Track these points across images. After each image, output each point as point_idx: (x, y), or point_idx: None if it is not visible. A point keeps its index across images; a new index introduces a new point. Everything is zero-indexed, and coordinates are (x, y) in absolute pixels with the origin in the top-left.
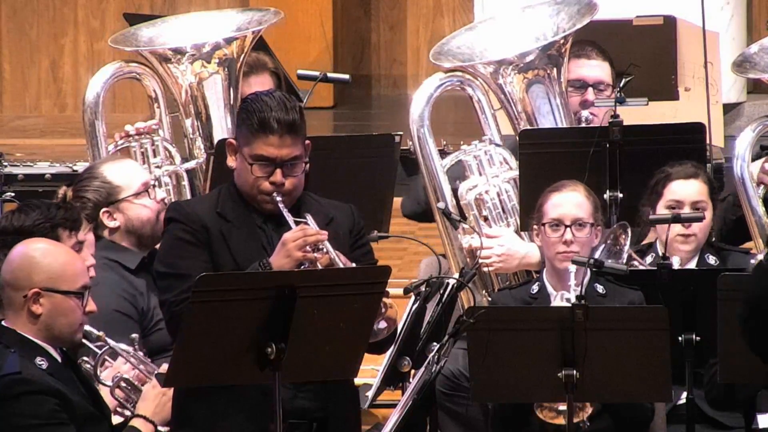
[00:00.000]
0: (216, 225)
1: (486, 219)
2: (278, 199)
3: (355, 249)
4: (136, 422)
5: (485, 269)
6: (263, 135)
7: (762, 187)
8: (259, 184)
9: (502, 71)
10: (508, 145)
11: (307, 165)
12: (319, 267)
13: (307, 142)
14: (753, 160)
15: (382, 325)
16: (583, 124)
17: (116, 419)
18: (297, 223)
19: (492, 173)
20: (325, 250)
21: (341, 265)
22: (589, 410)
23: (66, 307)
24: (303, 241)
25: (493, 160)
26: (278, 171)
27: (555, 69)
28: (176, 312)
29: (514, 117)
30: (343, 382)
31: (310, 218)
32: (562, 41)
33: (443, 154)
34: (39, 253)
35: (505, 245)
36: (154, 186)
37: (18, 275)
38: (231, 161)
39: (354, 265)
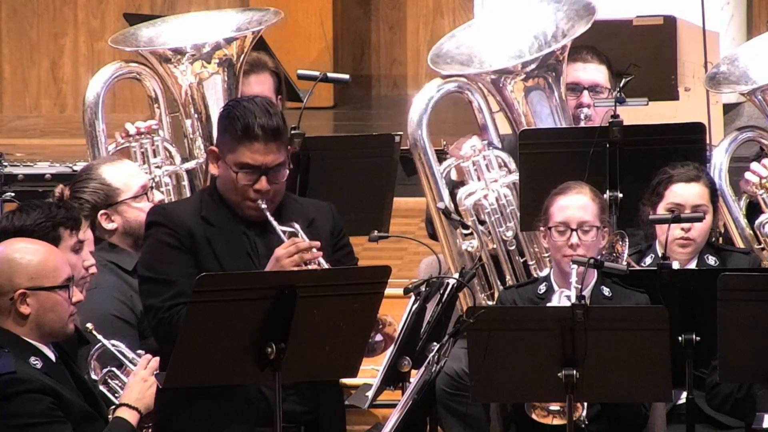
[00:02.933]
0: (201, 229)
1: (483, 223)
2: (263, 206)
3: (336, 250)
4: (120, 411)
5: None
6: (248, 142)
7: (744, 197)
8: (243, 191)
9: (502, 80)
10: (507, 144)
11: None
12: None
13: (290, 146)
14: (752, 160)
15: (379, 338)
16: (582, 122)
17: None
18: (285, 233)
19: (491, 178)
20: (318, 262)
21: None
22: (580, 409)
23: (53, 302)
24: (298, 258)
25: (492, 164)
26: (263, 178)
27: (554, 74)
28: (164, 318)
29: (513, 121)
30: (329, 382)
31: (297, 227)
32: (559, 51)
33: (443, 153)
34: (17, 254)
35: None
36: (152, 188)
37: (0, 280)
38: (213, 169)
39: None
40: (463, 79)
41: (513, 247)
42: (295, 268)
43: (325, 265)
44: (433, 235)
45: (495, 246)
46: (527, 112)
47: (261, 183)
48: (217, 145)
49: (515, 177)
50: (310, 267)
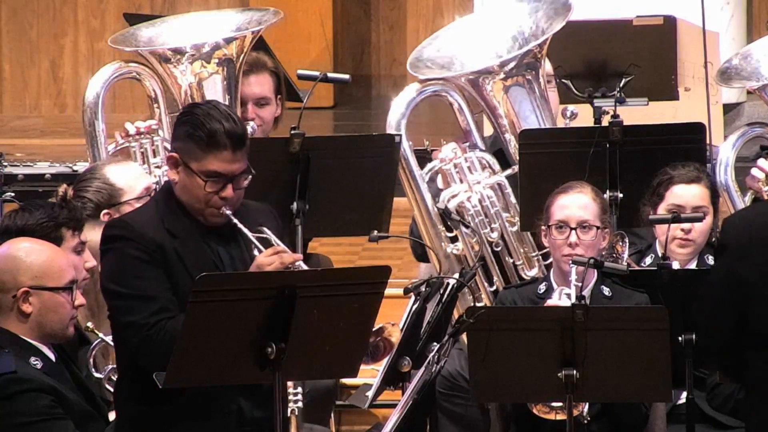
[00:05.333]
0: (169, 242)
1: (468, 226)
2: (228, 212)
3: None
4: None
5: None
6: (216, 151)
7: (749, 193)
8: (208, 199)
9: (481, 81)
10: (491, 145)
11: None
12: None
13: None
14: (752, 160)
15: (378, 341)
16: (568, 120)
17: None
18: (258, 239)
19: (473, 180)
20: (299, 266)
21: None
22: (581, 406)
23: (56, 303)
24: (280, 265)
25: (475, 166)
26: (229, 186)
27: (533, 72)
28: (150, 336)
29: (494, 122)
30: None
31: (268, 232)
32: (536, 49)
33: (426, 154)
34: (22, 253)
35: None
36: (155, 191)
37: (4, 277)
38: (173, 175)
39: None
40: (443, 81)
41: (499, 249)
42: None
43: (305, 269)
44: (422, 256)
45: (479, 249)
46: (509, 111)
47: (227, 191)
48: (177, 151)
49: (498, 178)
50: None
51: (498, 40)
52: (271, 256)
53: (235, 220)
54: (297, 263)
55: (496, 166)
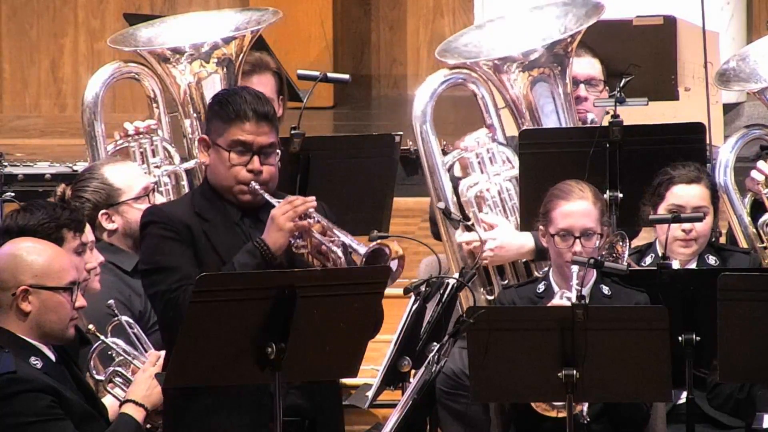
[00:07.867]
0: (197, 225)
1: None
2: (257, 187)
3: None
4: (126, 408)
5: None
6: (239, 122)
7: (749, 195)
8: (236, 173)
9: (506, 69)
10: (515, 147)
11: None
12: (315, 234)
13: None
14: (752, 160)
15: (394, 264)
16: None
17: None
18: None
19: (494, 171)
20: (316, 219)
21: (335, 231)
22: (581, 405)
23: (55, 303)
24: (293, 212)
25: (495, 158)
26: (256, 158)
27: (560, 67)
28: (171, 299)
29: (517, 116)
30: (327, 381)
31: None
32: (568, 40)
33: (443, 153)
34: (24, 252)
35: (497, 239)
36: (154, 191)
37: (4, 275)
38: (203, 157)
39: (346, 233)
40: (470, 72)
41: None
42: (291, 224)
43: (326, 222)
44: (437, 235)
45: None
46: (532, 105)
47: (254, 163)
48: (207, 133)
49: (518, 172)
50: (308, 234)
51: (526, 40)
52: (284, 206)
53: (263, 192)
54: (310, 210)
55: (515, 161)
